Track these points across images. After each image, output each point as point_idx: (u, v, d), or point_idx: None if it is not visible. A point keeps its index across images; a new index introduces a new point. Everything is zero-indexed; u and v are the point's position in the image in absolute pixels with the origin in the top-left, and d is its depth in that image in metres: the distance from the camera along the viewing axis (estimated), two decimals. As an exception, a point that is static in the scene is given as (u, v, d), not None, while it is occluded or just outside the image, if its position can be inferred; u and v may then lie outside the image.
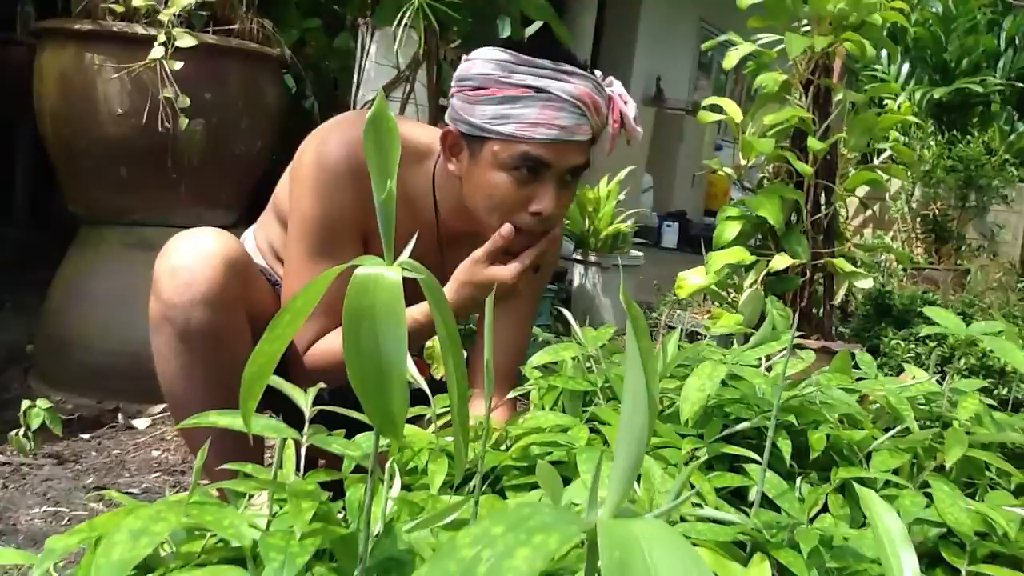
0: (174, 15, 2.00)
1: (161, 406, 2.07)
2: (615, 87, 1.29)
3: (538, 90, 1.18)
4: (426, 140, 1.34)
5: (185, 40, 1.98)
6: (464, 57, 1.26)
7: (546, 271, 1.48)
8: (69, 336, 2.15)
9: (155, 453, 1.83)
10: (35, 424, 1.69)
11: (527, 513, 0.31)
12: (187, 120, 1.98)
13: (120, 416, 2.01)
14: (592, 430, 0.98)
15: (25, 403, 1.70)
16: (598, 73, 1.27)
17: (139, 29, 2.02)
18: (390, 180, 0.48)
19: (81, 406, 2.03)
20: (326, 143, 1.27)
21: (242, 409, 0.53)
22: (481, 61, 1.21)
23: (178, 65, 1.97)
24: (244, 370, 1.34)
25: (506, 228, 1.23)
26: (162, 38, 1.97)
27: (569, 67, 1.20)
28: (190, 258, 1.19)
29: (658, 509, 0.56)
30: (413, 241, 0.57)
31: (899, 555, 0.48)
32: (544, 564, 0.28)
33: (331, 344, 1.27)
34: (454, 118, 1.24)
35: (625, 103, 1.28)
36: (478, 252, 1.26)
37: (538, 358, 1.17)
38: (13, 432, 1.71)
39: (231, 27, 2.18)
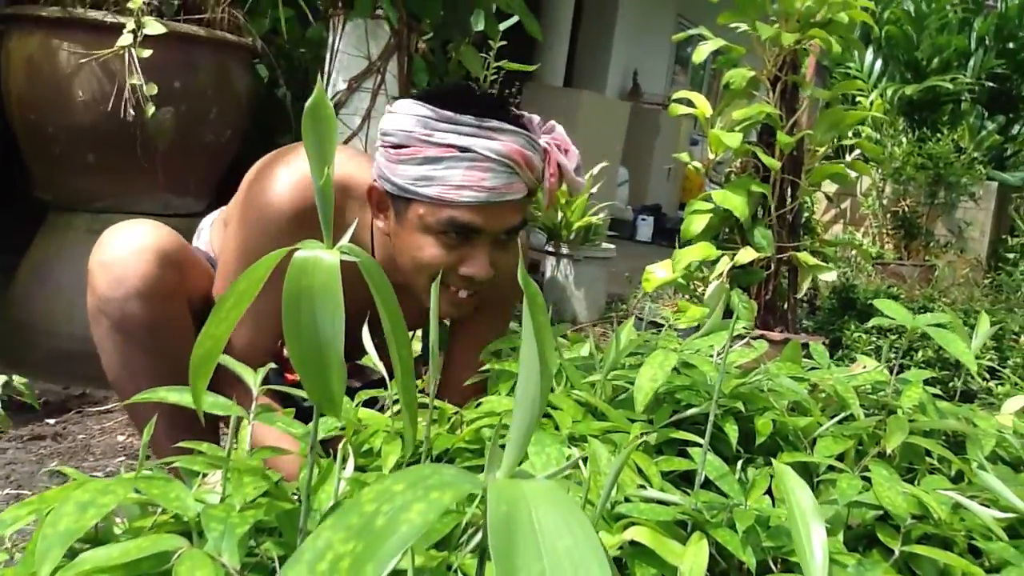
0: (144, 3, 2.00)
1: (129, 393, 2.07)
2: (556, 132, 1.22)
3: (462, 149, 1.10)
4: (362, 178, 1.24)
5: (154, 28, 1.97)
6: (387, 108, 1.19)
7: (508, 304, 1.41)
8: (35, 321, 2.14)
9: (120, 438, 1.83)
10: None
11: (427, 473, 0.33)
12: (155, 108, 1.98)
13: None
14: (544, 415, 1.00)
15: (1, 378, 1.70)
16: (536, 119, 1.21)
17: (107, 16, 2.01)
18: (327, 167, 0.50)
19: (47, 391, 2.03)
20: (274, 183, 1.20)
21: (192, 389, 0.55)
22: (402, 116, 1.14)
23: (147, 53, 1.96)
24: (187, 358, 1.35)
25: None
26: (131, 26, 1.96)
27: (496, 122, 1.11)
28: (122, 252, 1.19)
29: (546, 472, 0.58)
30: (350, 231, 0.58)
31: (809, 527, 0.51)
32: (437, 517, 0.30)
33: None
34: (379, 175, 1.17)
35: (566, 151, 1.20)
36: None
37: (496, 344, 1.19)
38: (-21, 409, 1.72)
39: (202, 16, 2.18)
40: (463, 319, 1.35)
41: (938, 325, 1.22)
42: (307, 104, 0.49)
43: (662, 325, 3.27)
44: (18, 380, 1.72)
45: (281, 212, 1.19)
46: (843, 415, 1.09)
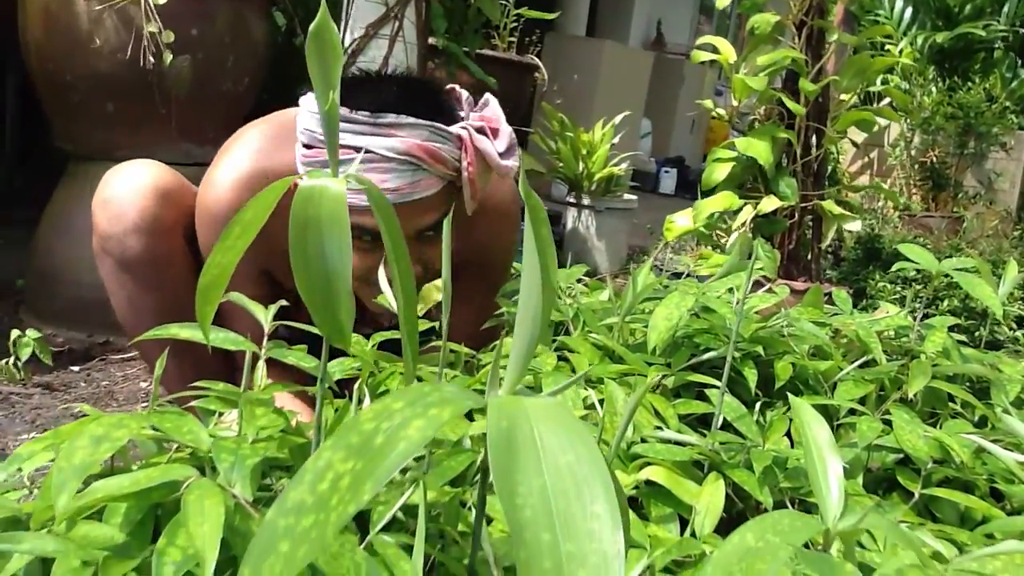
0: (159, -51, 1.97)
1: (152, 342, 2.09)
2: (488, 110, 1.14)
3: (358, 150, 1.04)
4: None
5: (170, -26, 1.96)
6: (301, 97, 1.12)
7: (503, 266, 1.37)
8: (58, 271, 2.16)
9: (143, 384, 1.85)
10: (24, 355, 1.71)
11: (427, 391, 0.32)
12: (172, 56, 1.97)
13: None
14: (561, 358, 1.00)
15: (14, 333, 1.72)
16: (465, 96, 1.15)
17: (123, -37, 1.99)
18: (333, 92, 0.48)
19: (71, 339, 2.06)
20: (216, 176, 1.18)
21: (199, 317, 0.54)
22: (307, 113, 1.08)
23: (163, 0, 1.95)
24: (191, 295, 1.33)
25: None
26: (147, -28, 1.95)
27: (392, 117, 1.04)
28: (120, 189, 1.21)
29: (548, 390, 0.58)
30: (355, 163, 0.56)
31: (825, 461, 0.50)
32: (434, 432, 0.30)
33: None
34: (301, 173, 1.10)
35: (494, 131, 1.11)
36: None
37: (510, 285, 1.18)
38: (3, 361, 1.74)
39: (218, -38, 2.15)
40: (458, 286, 1.29)
41: (963, 270, 1.20)
42: (311, 28, 0.47)
43: (688, 275, 3.26)
44: (31, 334, 1.73)
45: (219, 214, 1.16)
46: (865, 359, 1.07)
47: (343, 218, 0.49)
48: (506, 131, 1.13)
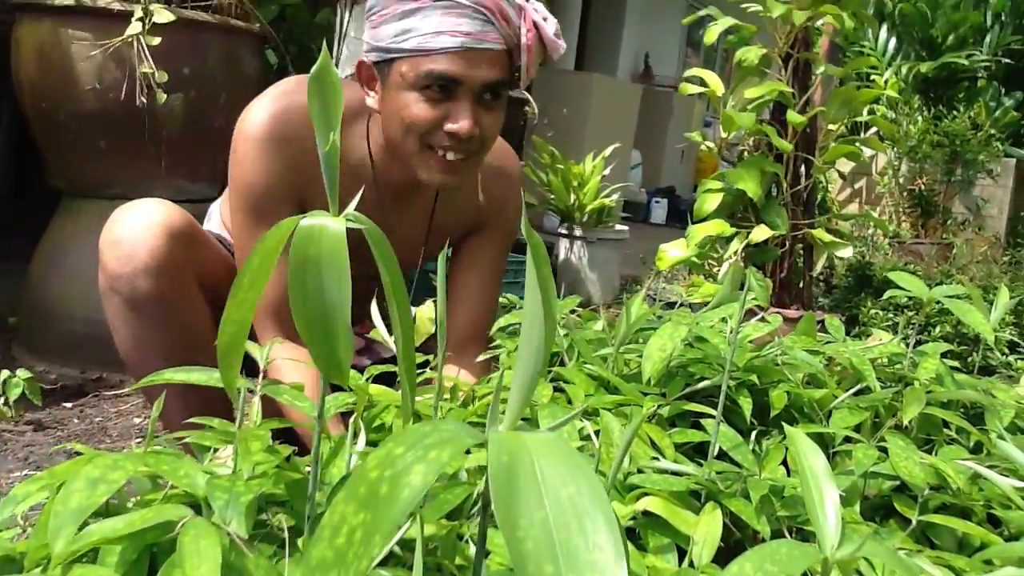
0: (152, -10, 1.99)
1: (145, 378, 2.09)
2: (538, 5, 1.23)
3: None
4: (358, 101, 1.26)
5: (162, 15, 1.97)
6: None
7: (507, 229, 1.46)
8: (51, 307, 2.16)
9: (137, 420, 1.85)
10: (14, 395, 1.70)
11: (427, 431, 0.32)
12: (165, 95, 1.99)
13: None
14: (556, 388, 1.00)
15: (4, 373, 1.71)
16: None
17: (116, 4, 2.01)
18: (333, 133, 0.49)
19: (64, 375, 2.05)
20: (251, 113, 1.24)
21: (223, 379, 0.54)
22: None
23: (155, 41, 1.97)
24: (197, 333, 1.32)
25: None
26: (139, 13, 1.96)
27: None
28: (131, 229, 1.20)
29: (546, 424, 0.58)
30: (355, 201, 0.56)
31: (822, 490, 0.50)
32: (436, 476, 0.30)
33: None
34: (366, 50, 1.20)
35: (544, 19, 1.21)
36: None
37: (505, 319, 1.19)
38: (-6, 401, 1.73)
39: (210, 2, 2.17)
40: (464, 251, 1.41)
41: (955, 297, 1.21)
42: (312, 70, 0.48)
43: (675, 304, 3.26)
44: (21, 375, 1.72)
45: (258, 134, 1.22)
46: (859, 387, 1.08)
47: (342, 256, 0.50)
48: (553, 19, 1.23)
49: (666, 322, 1.03)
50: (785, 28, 2.46)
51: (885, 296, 1.29)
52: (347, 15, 2.34)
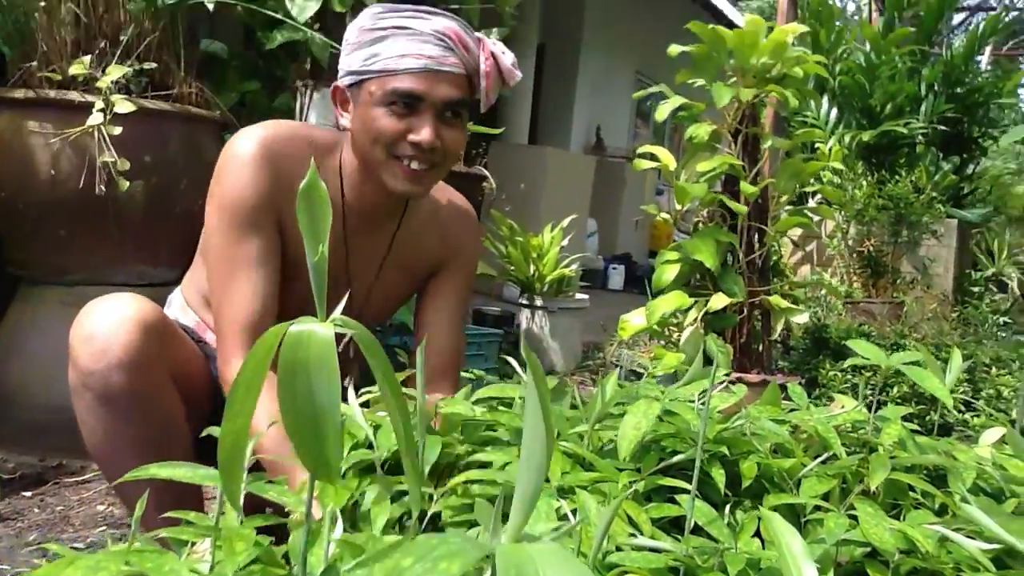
0: (112, 82, 2.02)
1: (106, 467, 2.05)
2: (491, 38, 1.36)
3: (401, 28, 1.27)
4: (331, 138, 1.40)
5: (123, 106, 2.00)
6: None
7: (467, 268, 1.55)
8: (9, 394, 2.12)
9: (100, 508, 1.81)
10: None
11: (434, 543, 0.34)
12: (127, 183, 2.00)
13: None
14: (532, 469, 1.01)
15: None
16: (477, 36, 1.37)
17: (76, 96, 2.03)
18: (322, 245, 0.51)
19: (23, 464, 2.01)
20: (239, 139, 1.33)
21: (227, 493, 0.55)
22: (359, 18, 1.32)
23: (117, 131, 1.98)
24: (170, 427, 1.33)
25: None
26: (100, 104, 1.98)
27: (431, 8, 1.30)
28: (104, 324, 1.20)
29: (537, 524, 0.59)
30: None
31: (801, 569, 0.52)
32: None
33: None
34: (340, 76, 1.33)
35: (503, 52, 1.35)
36: None
37: (483, 392, 1.20)
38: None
39: (170, 91, 2.21)
40: (429, 291, 1.51)
41: (912, 363, 1.24)
42: (301, 186, 0.50)
43: (640, 373, 3.29)
44: None
45: (246, 153, 1.30)
46: (826, 456, 1.10)
47: (331, 361, 0.51)
48: (510, 53, 1.37)
49: (639, 401, 1.05)
50: (733, 105, 2.56)
51: (847, 364, 1.32)
52: (307, 101, 2.38)
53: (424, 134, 1.27)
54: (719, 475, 1.01)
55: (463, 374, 1.55)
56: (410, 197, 1.37)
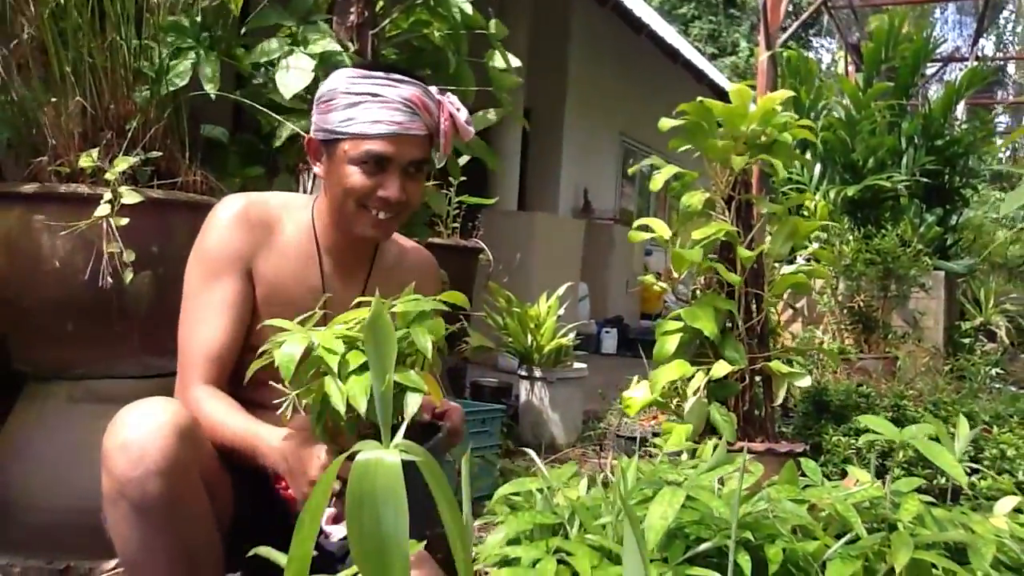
0: (119, 173, 2.05)
1: (113, 561, 2.03)
2: (452, 98, 1.54)
3: (374, 95, 1.42)
4: (302, 199, 1.62)
5: (131, 197, 2.02)
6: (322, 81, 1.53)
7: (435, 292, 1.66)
8: (14, 496, 2.09)
9: (113, 614, 1.79)
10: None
11: None
12: (133, 274, 2.01)
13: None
14: (560, 561, 1.02)
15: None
16: (434, 89, 1.53)
17: (85, 189, 2.06)
18: (388, 374, 0.53)
19: (29, 568, 1.98)
20: (224, 202, 1.54)
21: None
22: (332, 78, 1.48)
23: (124, 221, 2.00)
24: (204, 534, 1.37)
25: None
26: (108, 196, 2.01)
27: (399, 76, 1.45)
28: (140, 430, 1.21)
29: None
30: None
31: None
32: None
33: (216, 424, 1.35)
34: (314, 129, 1.50)
35: (457, 110, 1.52)
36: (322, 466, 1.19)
37: (504, 490, 1.21)
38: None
39: (175, 180, 2.24)
40: None
41: (924, 434, 1.27)
42: (368, 317, 0.53)
43: (643, 440, 3.29)
44: None
45: (229, 214, 1.51)
46: (849, 537, 1.12)
47: (399, 488, 0.53)
48: (464, 110, 1.54)
49: (664, 490, 1.06)
50: (725, 172, 2.62)
51: (862, 440, 1.34)
52: (310, 182, 2.42)
53: (392, 191, 1.45)
54: (745, 562, 1.02)
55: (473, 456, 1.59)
56: (376, 240, 1.58)
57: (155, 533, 1.21)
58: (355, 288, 1.59)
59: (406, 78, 1.46)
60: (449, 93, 1.56)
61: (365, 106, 1.43)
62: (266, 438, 1.27)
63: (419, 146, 1.48)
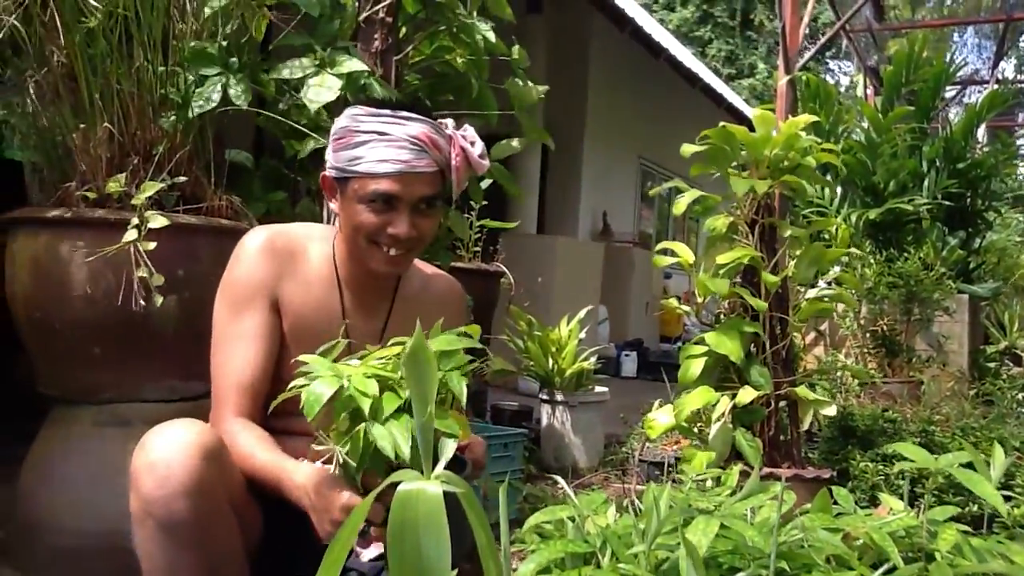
0: (146, 198, 2.07)
1: (137, 587, 2.02)
2: (467, 131, 1.53)
3: (380, 134, 1.43)
4: (326, 230, 1.64)
5: (158, 221, 2.03)
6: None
7: (462, 321, 1.68)
8: (40, 519, 2.10)
9: (137, 639, 1.77)
10: (13, 621, 1.64)
11: None
12: (161, 297, 2.02)
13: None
14: (595, 592, 1.00)
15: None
16: (451, 122, 1.52)
17: (111, 214, 2.08)
18: (429, 406, 0.53)
19: (55, 593, 1.98)
20: (252, 233, 1.57)
21: None
22: (343, 117, 1.49)
23: (151, 246, 2.01)
24: (229, 554, 1.37)
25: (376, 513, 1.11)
26: (135, 221, 2.02)
27: (406, 113, 1.45)
28: (167, 450, 1.23)
29: None
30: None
31: None
32: None
33: (246, 456, 1.36)
34: (329, 166, 1.51)
35: (472, 144, 1.51)
36: (347, 505, 1.16)
37: (535, 519, 1.20)
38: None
39: (201, 204, 2.25)
40: None
41: (960, 463, 1.25)
42: (407, 349, 0.52)
43: (661, 464, 3.26)
44: None
45: (256, 245, 1.53)
46: (887, 567, 1.10)
47: (440, 517, 0.52)
48: (480, 143, 1.54)
49: (698, 520, 1.05)
50: (748, 197, 2.60)
51: (897, 468, 1.32)
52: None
53: (401, 228, 1.45)
54: (782, 592, 1.01)
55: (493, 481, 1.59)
56: (389, 276, 1.58)
57: (181, 552, 1.22)
58: (378, 318, 1.60)
59: (413, 115, 1.46)
60: (467, 126, 1.56)
61: (372, 145, 1.43)
62: (291, 473, 1.27)
63: (428, 183, 1.47)
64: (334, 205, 1.54)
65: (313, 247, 1.58)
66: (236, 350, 1.50)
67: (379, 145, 1.42)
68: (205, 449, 1.24)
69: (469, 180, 2.53)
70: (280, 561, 1.38)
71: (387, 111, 1.45)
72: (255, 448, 1.35)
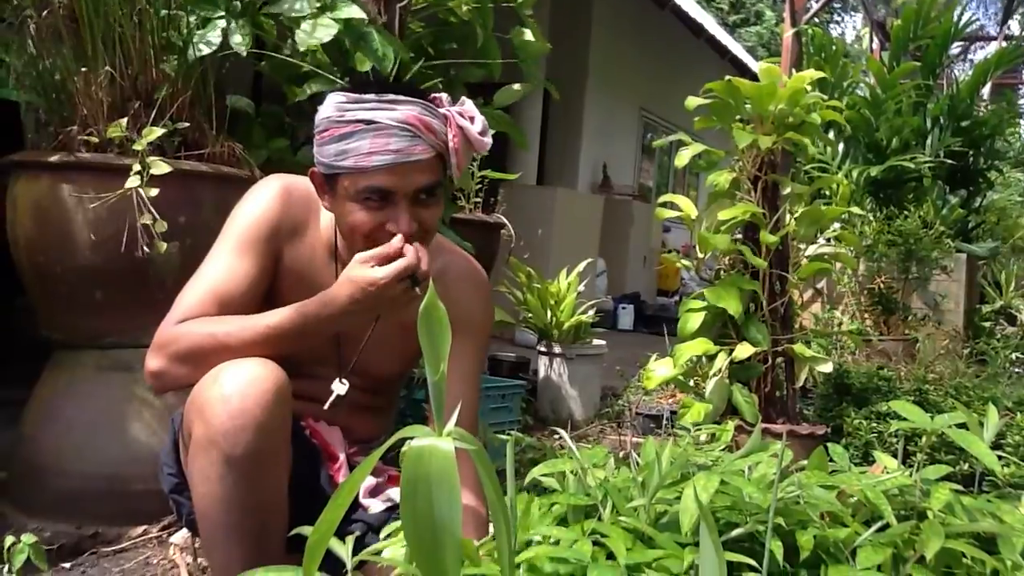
0: (147, 144, 2.05)
1: (141, 528, 2.06)
2: (466, 105, 1.39)
3: (367, 123, 1.28)
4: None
5: (160, 167, 2.02)
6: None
7: (481, 334, 1.55)
8: (44, 462, 2.13)
9: (144, 577, 1.81)
10: (19, 562, 1.66)
11: None
12: (165, 244, 2.02)
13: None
14: (595, 543, 1.03)
15: (8, 539, 1.68)
16: (445, 96, 1.37)
17: (113, 159, 2.07)
18: (442, 363, 0.53)
19: (59, 533, 2.00)
20: (264, 179, 1.48)
21: (305, 570, 0.57)
22: (325, 106, 1.33)
23: (154, 192, 2.01)
24: (281, 493, 1.38)
25: (397, 239, 1.30)
26: (137, 167, 2.01)
27: (393, 96, 1.30)
28: (241, 384, 1.23)
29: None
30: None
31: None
32: None
33: (237, 330, 1.31)
34: (315, 161, 1.36)
35: (471, 119, 1.36)
36: (363, 253, 1.30)
37: (537, 470, 1.22)
38: (-6, 566, 1.69)
39: (203, 151, 2.24)
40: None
41: (955, 424, 1.26)
42: (421, 306, 0.53)
43: (658, 416, 3.30)
44: (26, 540, 1.68)
45: (266, 190, 1.44)
46: (879, 524, 1.12)
47: (452, 475, 0.53)
48: (480, 118, 1.38)
49: (699, 475, 1.07)
50: (752, 152, 2.60)
51: (894, 427, 1.34)
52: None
53: (402, 224, 1.31)
54: (777, 547, 1.03)
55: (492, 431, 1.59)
56: None
57: (237, 485, 1.23)
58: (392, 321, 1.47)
59: (401, 97, 1.31)
60: (464, 99, 1.41)
61: (358, 136, 1.28)
62: (322, 294, 1.31)
63: (425, 170, 1.33)
64: (326, 203, 1.40)
65: (325, 214, 1.46)
66: (221, 267, 1.41)
67: (367, 135, 1.28)
68: (278, 387, 1.24)
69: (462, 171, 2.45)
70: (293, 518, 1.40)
71: (372, 96, 1.30)
72: (246, 319, 1.32)
